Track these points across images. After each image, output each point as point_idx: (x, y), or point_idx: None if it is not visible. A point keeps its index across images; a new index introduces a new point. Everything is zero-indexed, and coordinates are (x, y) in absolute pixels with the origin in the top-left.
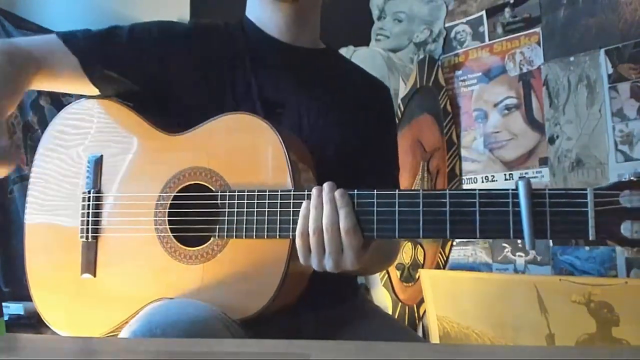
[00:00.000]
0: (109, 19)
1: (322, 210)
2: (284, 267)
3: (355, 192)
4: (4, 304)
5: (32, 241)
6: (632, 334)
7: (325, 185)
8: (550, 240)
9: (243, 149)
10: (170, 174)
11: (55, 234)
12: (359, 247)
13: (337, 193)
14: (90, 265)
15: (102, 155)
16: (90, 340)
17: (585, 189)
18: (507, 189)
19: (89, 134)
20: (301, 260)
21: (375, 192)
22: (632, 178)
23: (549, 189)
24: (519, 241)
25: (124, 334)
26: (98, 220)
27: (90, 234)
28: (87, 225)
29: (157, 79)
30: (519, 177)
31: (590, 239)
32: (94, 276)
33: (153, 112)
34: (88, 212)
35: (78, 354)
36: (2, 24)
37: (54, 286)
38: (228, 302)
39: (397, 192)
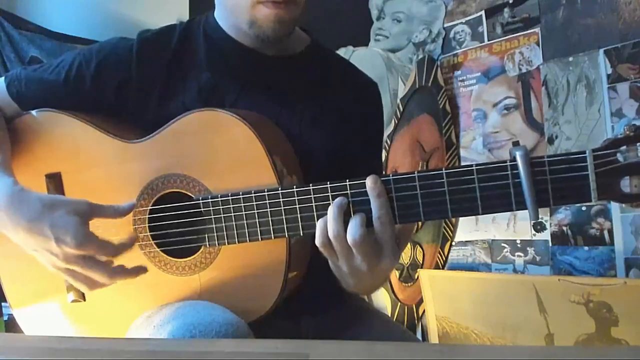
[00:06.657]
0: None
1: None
2: (285, 265)
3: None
4: (3, 304)
5: (9, 271)
6: (631, 334)
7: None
8: (550, 241)
9: (216, 148)
10: (140, 185)
11: (31, 262)
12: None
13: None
14: (77, 290)
15: (60, 173)
16: (89, 340)
17: (585, 152)
18: (505, 161)
19: (38, 152)
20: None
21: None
22: (627, 133)
23: (548, 156)
24: (518, 241)
25: (153, 333)
26: None
27: None
28: None
29: (110, 109)
30: (513, 145)
31: (593, 201)
32: (84, 300)
33: (97, 117)
34: None
35: (78, 353)
36: (2, 24)
37: (41, 313)
38: (233, 307)
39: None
